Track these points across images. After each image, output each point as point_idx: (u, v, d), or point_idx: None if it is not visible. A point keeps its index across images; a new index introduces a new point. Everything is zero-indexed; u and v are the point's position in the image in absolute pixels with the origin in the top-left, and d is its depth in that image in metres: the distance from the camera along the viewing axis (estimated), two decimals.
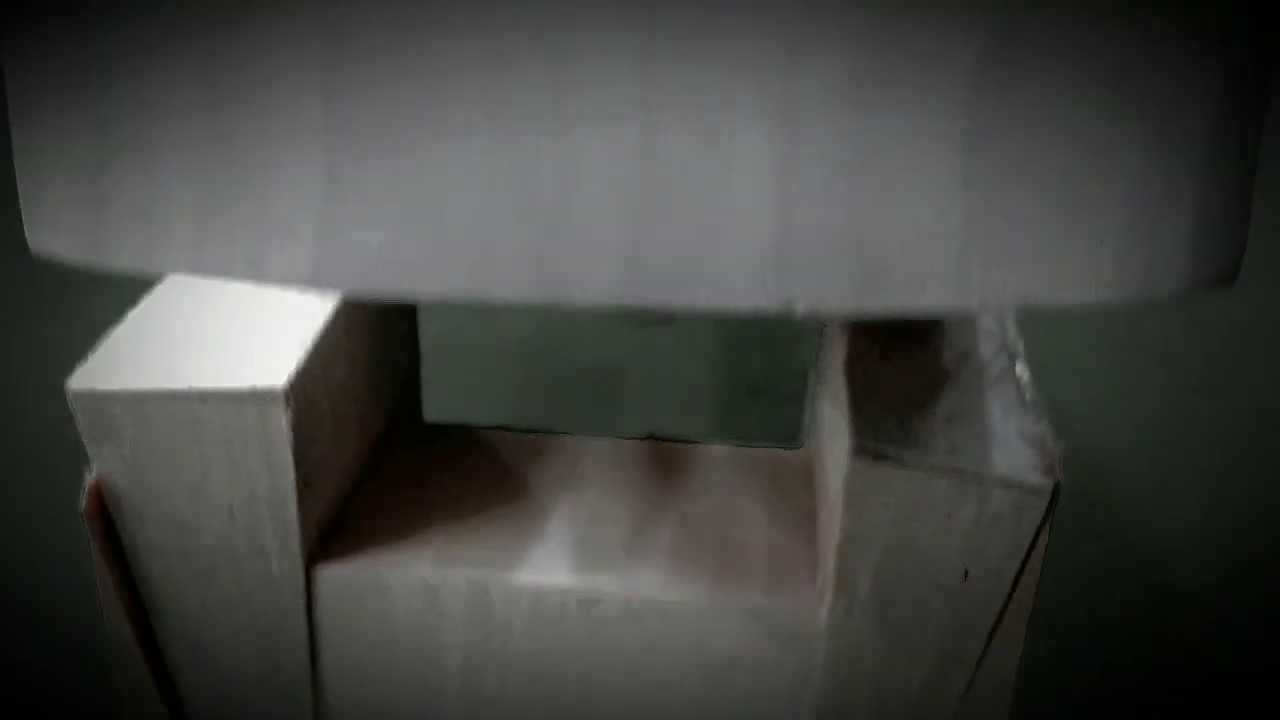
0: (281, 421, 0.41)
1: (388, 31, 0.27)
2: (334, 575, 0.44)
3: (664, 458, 0.51)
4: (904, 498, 0.39)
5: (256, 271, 0.29)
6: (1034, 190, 0.28)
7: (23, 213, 0.32)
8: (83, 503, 0.43)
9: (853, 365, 0.44)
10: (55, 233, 0.31)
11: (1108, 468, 0.84)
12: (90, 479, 0.43)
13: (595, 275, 0.29)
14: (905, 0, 0.27)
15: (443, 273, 0.29)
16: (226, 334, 0.43)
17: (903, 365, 0.44)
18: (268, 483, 0.42)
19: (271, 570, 0.43)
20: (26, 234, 0.32)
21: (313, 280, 0.29)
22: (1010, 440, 0.41)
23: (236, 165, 0.29)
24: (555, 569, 0.44)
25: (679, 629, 0.43)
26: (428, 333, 0.58)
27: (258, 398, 0.40)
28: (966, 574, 0.41)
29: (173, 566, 0.43)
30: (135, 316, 0.45)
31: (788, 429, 0.80)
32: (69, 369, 0.42)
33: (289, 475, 0.41)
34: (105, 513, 0.43)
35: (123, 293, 0.47)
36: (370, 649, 0.44)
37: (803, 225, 0.28)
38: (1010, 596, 0.41)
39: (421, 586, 0.43)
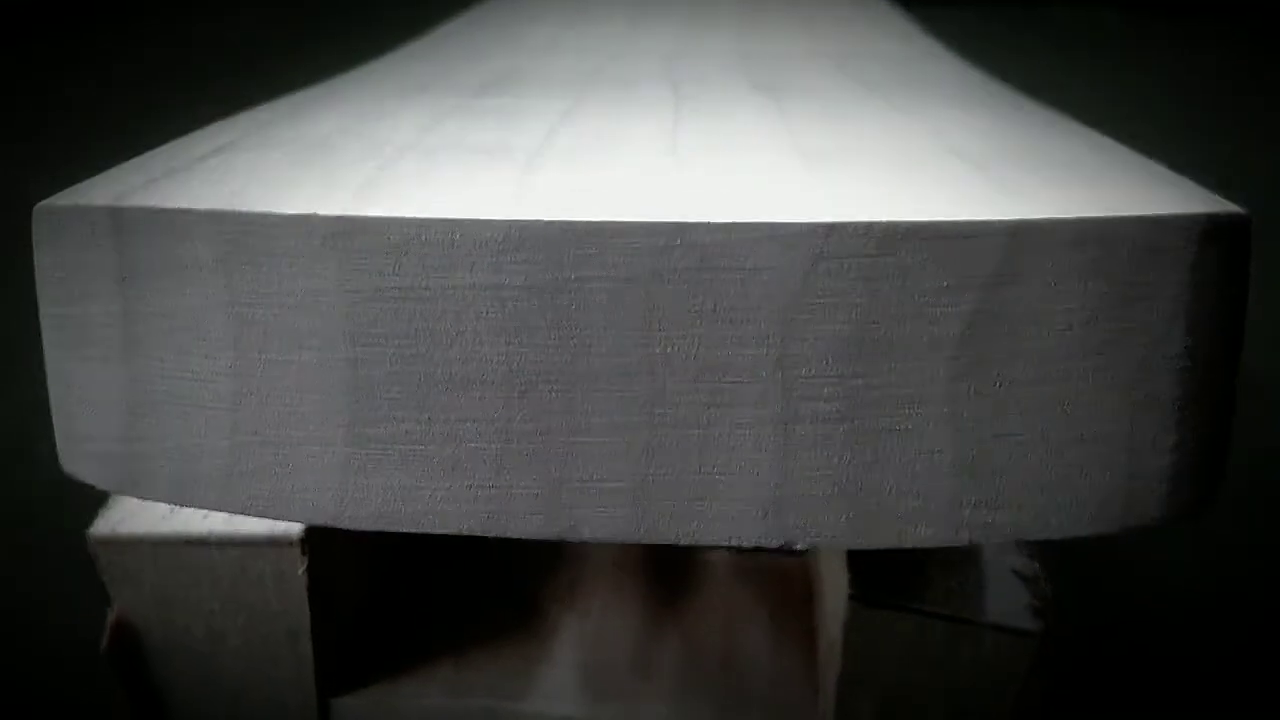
0: (298, 566, 0.43)
1: (415, 301, 0.30)
2: (349, 705, 0.47)
3: (665, 565, 0.54)
4: (901, 641, 0.42)
5: (284, 509, 0.32)
6: (1018, 438, 0.31)
7: (57, 438, 0.34)
8: (104, 642, 0.46)
9: None
10: (87, 462, 0.34)
11: None
12: (111, 617, 0.46)
13: (604, 517, 0.31)
14: (897, 271, 0.30)
15: (459, 515, 0.32)
16: None
17: None
18: (284, 621, 0.45)
19: (287, 703, 0.46)
20: (60, 456, 0.34)
21: (336, 519, 0.32)
22: (1004, 579, 0.44)
23: (265, 420, 0.31)
24: (564, 698, 0.47)
25: None
26: None
27: (275, 543, 0.43)
28: (963, 711, 0.44)
29: (193, 697, 0.46)
30: None
31: None
32: None
33: (304, 613, 0.44)
34: (125, 649, 0.46)
35: None
36: None
37: (799, 473, 0.31)
38: None
39: (435, 716, 0.46)
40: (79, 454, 0.34)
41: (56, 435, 0.34)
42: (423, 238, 0.30)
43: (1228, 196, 0.32)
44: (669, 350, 0.30)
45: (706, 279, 0.30)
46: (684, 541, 0.32)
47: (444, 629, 0.50)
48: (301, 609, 0.44)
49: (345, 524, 0.32)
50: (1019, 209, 0.30)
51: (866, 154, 0.35)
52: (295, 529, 0.43)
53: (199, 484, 0.32)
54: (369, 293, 0.30)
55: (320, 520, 0.32)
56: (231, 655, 0.45)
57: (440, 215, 0.30)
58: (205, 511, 0.44)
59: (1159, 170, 0.35)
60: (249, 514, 0.32)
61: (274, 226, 0.30)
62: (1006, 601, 0.43)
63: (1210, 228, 0.30)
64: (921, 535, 0.31)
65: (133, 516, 0.44)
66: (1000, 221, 0.30)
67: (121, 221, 0.31)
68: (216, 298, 0.31)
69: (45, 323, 0.33)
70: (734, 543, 0.32)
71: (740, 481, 0.31)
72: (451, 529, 0.32)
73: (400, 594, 0.52)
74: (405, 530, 0.32)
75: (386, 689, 0.47)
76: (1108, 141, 0.39)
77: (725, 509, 0.31)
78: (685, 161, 0.34)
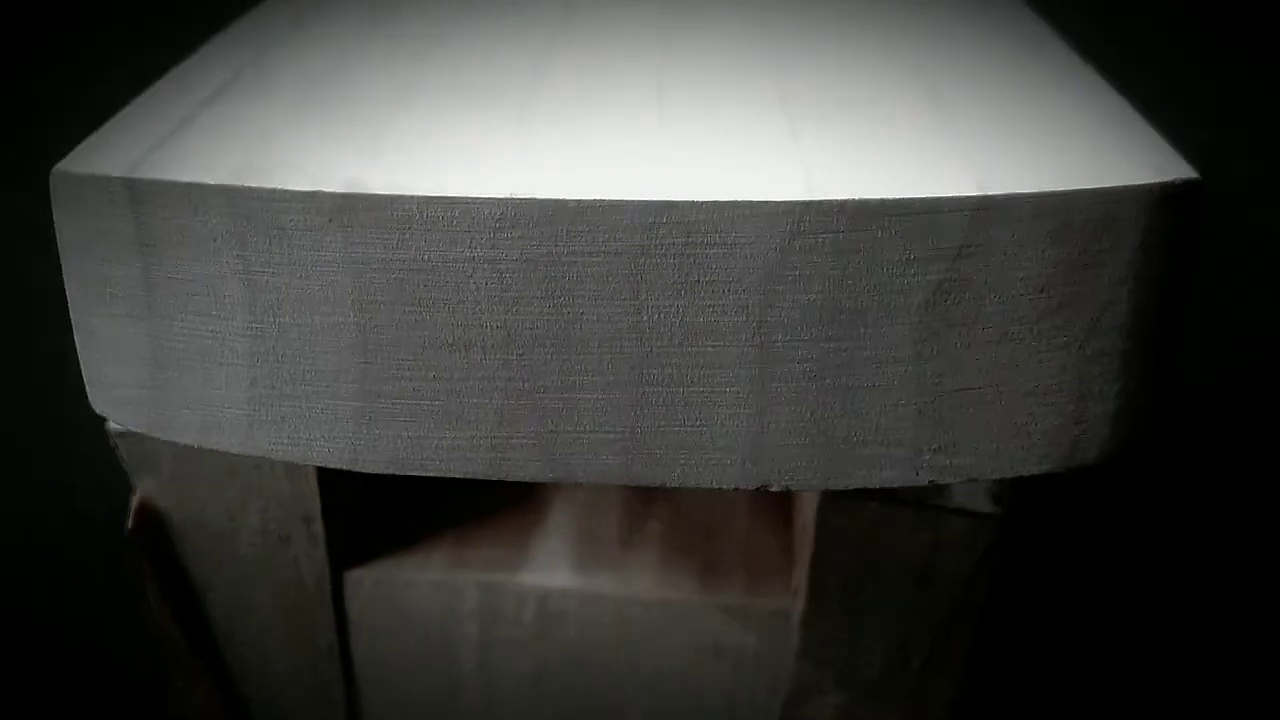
0: None
1: (418, 272, 0.33)
2: (360, 577, 0.51)
3: None
4: (869, 525, 0.47)
5: (304, 454, 0.35)
6: (975, 391, 0.34)
7: (84, 379, 0.37)
8: (129, 523, 0.50)
9: None
10: (115, 406, 0.37)
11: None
12: (134, 501, 0.50)
13: (597, 463, 0.35)
14: (868, 245, 0.32)
15: (463, 460, 0.35)
16: None
17: None
18: (298, 507, 0.48)
19: (303, 576, 0.51)
20: (89, 396, 0.37)
21: (353, 463, 0.35)
22: None
23: (281, 377, 0.34)
24: (557, 570, 0.51)
25: (669, 621, 0.51)
26: None
27: None
28: (925, 582, 0.48)
29: (214, 575, 0.51)
30: None
31: None
32: None
33: (316, 500, 0.48)
34: (149, 530, 0.50)
35: None
36: (394, 641, 0.52)
37: (776, 424, 0.34)
38: (964, 600, 0.49)
39: (438, 587, 0.51)
40: (107, 398, 0.37)
41: (85, 378, 0.37)
42: (423, 215, 0.32)
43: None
44: (656, 317, 0.33)
45: (691, 253, 0.32)
46: (670, 484, 0.35)
47: (445, 509, 0.54)
48: (313, 496, 0.48)
49: (360, 468, 0.35)
50: (984, 178, 0.33)
51: (847, 104, 0.37)
52: None
53: (222, 430, 0.36)
54: (374, 264, 0.33)
55: (337, 464, 0.35)
56: (249, 535, 0.49)
57: (440, 194, 0.32)
58: None
59: (1126, 116, 0.37)
60: (271, 457, 0.35)
61: (283, 202, 0.32)
62: (966, 489, 0.47)
63: (1162, 196, 0.33)
64: (885, 477, 0.35)
65: None
66: (965, 198, 0.32)
67: (138, 193, 0.33)
68: (231, 266, 0.33)
69: (69, 280, 0.36)
70: (715, 486, 0.35)
71: (721, 433, 0.34)
72: (458, 474, 0.35)
73: (404, 478, 0.56)
74: (415, 474, 0.35)
75: (393, 562, 0.51)
76: (1084, 76, 0.40)
77: (707, 457, 0.35)
78: (670, 123, 0.36)
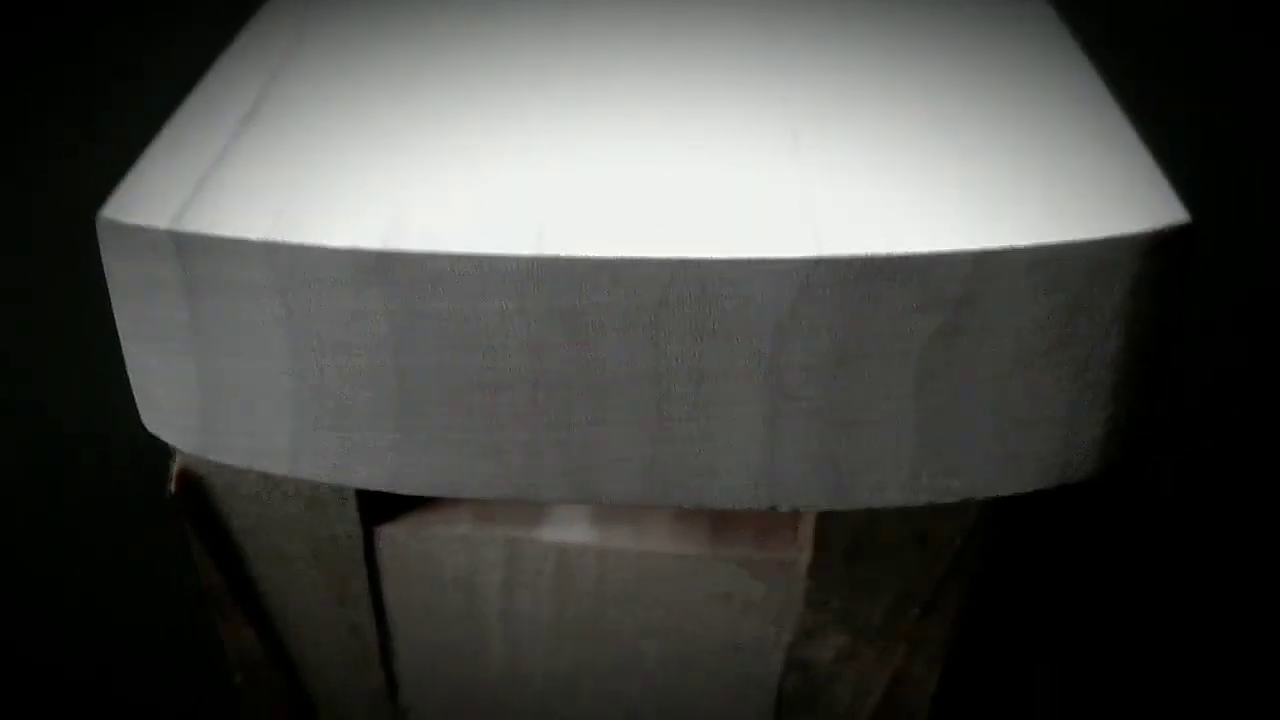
0: None
1: (451, 321, 0.35)
2: (390, 534, 0.54)
3: None
4: None
5: (345, 479, 0.38)
6: (971, 422, 0.37)
7: (136, 400, 0.40)
8: (171, 488, 0.53)
9: None
10: (166, 429, 0.39)
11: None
12: (175, 467, 0.53)
13: (619, 487, 0.38)
14: (873, 296, 0.35)
15: (496, 485, 0.38)
16: None
17: None
18: None
19: (336, 534, 0.54)
20: (141, 416, 0.40)
21: (392, 486, 0.38)
22: None
23: (324, 412, 0.37)
24: (575, 526, 0.54)
25: (682, 572, 0.54)
26: None
27: None
28: (923, 541, 0.52)
29: (252, 534, 0.54)
30: None
31: None
32: None
33: None
34: (189, 494, 0.53)
35: None
36: (423, 589, 0.56)
37: (784, 454, 0.37)
38: (960, 558, 0.52)
39: (464, 541, 0.54)
40: (158, 421, 0.39)
41: (136, 400, 0.40)
42: (454, 270, 0.35)
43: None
44: (674, 362, 0.36)
45: (706, 304, 0.35)
46: (688, 505, 0.38)
47: None
48: None
49: (400, 490, 0.38)
50: (985, 227, 0.35)
51: (857, 139, 0.39)
52: None
53: (268, 456, 0.38)
54: (410, 314, 0.35)
55: (377, 487, 0.38)
56: (285, 498, 0.53)
57: (469, 251, 0.34)
58: None
59: (1127, 145, 0.39)
60: (315, 480, 0.38)
61: (322, 258, 0.35)
62: None
63: (1153, 244, 0.35)
64: (886, 499, 0.38)
65: None
66: (966, 252, 0.34)
67: (184, 245, 0.35)
68: (273, 312, 0.36)
69: (119, 315, 0.38)
70: (727, 507, 0.38)
71: (735, 462, 0.37)
72: (492, 496, 0.38)
73: None
74: (452, 496, 0.38)
75: (421, 519, 0.55)
76: (1092, 93, 0.42)
77: (722, 482, 0.38)
78: (682, 163, 0.38)
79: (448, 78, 0.44)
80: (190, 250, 0.36)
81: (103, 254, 0.37)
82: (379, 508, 0.55)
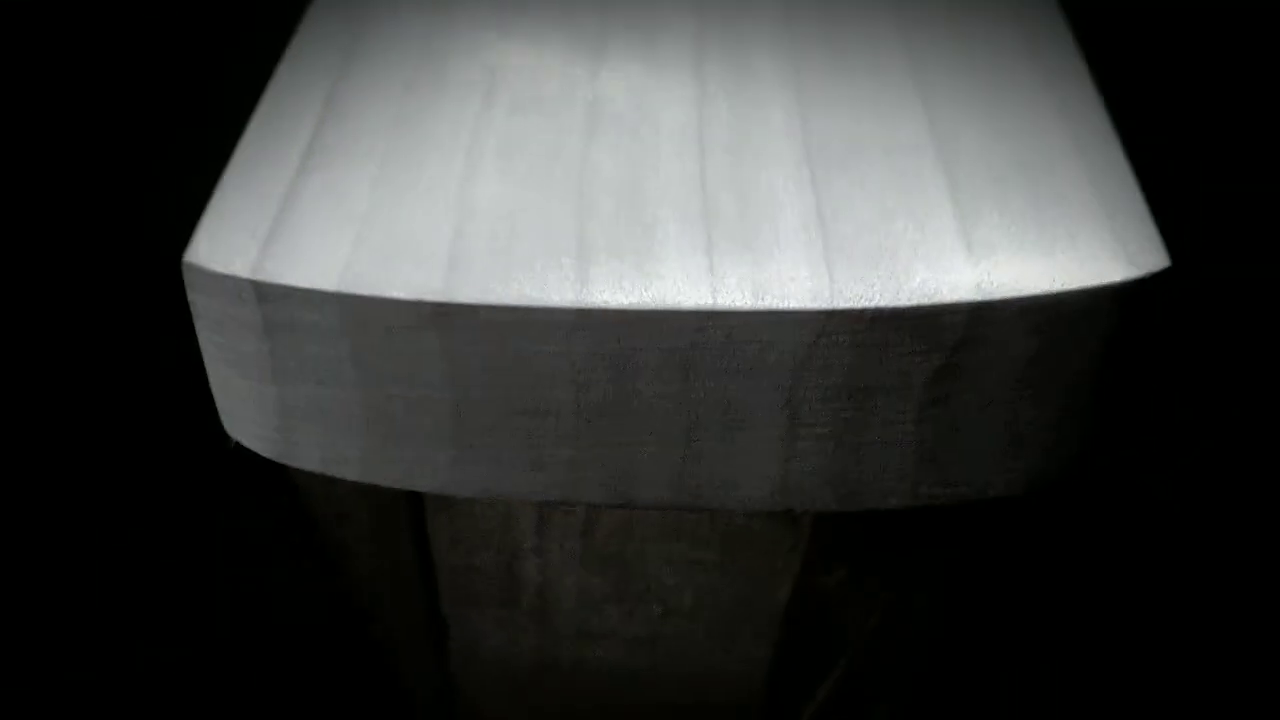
0: None
1: (502, 360, 0.40)
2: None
3: None
4: None
5: (408, 485, 0.43)
6: (965, 441, 0.42)
7: (219, 411, 0.45)
8: (231, 444, 0.58)
9: None
10: (247, 438, 0.44)
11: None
12: None
13: (652, 494, 0.43)
14: (880, 342, 0.39)
15: (541, 491, 0.43)
16: None
17: None
18: None
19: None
20: (224, 424, 0.45)
21: (448, 491, 0.44)
22: None
23: (390, 433, 0.42)
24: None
25: (699, 518, 0.60)
26: None
27: None
28: None
29: (307, 483, 0.60)
30: None
31: None
32: None
33: None
34: (248, 451, 0.58)
35: None
36: (464, 523, 0.61)
37: (799, 470, 0.42)
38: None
39: None
40: (240, 430, 0.44)
41: (219, 411, 0.45)
42: (508, 320, 0.39)
43: None
44: (702, 395, 0.40)
45: (732, 348, 0.39)
46: (711, 509, 0.43)
47: None
48: None
49: (453, 493, 0.44)
50: (983, 277, 0.39)
51: (868, 203, 0.42)
52: None
53: (342, 466, 0.44)
54: (466, 355, 0.40)
55: (435, 492, 0.44)
56: None
57: (519, 303, 0.39)
58: None
59: (1120, 185, 0.43)
60: (383, 485, 0.44)
61: (386, 307, 0.39)
62: None
63: (1134, 291, 0.40)
64: (890, 504, 0.43)
65: None
66: (964, 303, 0.39)
67: (263, 292, 0.40)
68: (344, 351, 0.41)
69: (203, 341, 0.43)
70: (748, 510, 0.43)
71: (754, 475, 0.42)
72: (538, 499, 0.43)
73: None
74: (501, 498, 0.43)
75: None
76: (1091, 128, 0.45)
77: (743, 491, 0.43)
78: (711, 217, 0.42)
79: (490, 118, 0.47)
80: (269, 297, 0.40)
81: (188, 291, 0.41)
82: None
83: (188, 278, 0.41)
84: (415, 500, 0.60)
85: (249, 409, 0.43)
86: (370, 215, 0.42)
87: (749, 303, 0.39)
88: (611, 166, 0.44)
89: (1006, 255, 0.40)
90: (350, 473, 0.44)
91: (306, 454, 0.44)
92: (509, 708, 0.67)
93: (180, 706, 0.77)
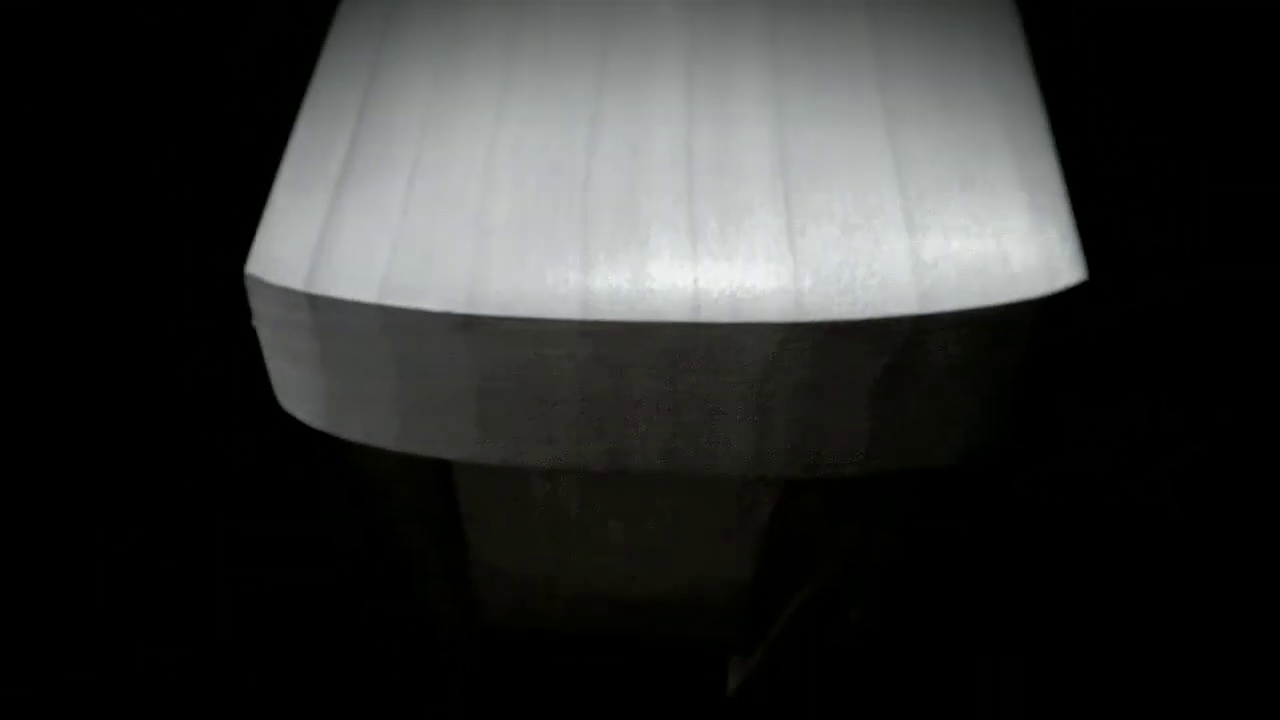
0: None
1: (519, 359, 0.48)
2: None
3: None
4: None
5: (438, 454, 0.52)
6: (913, 421, 0.50)
7: (273, 387, 0.53)
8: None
9: None
10: (299, 411, 0.53)
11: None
12: None
13: (646, 462, 0.51)
14: (835, 346, 0.47)
15: (552, 460, 0.51)
16: None
17: None
18: None
19: None
20: (278, 399, 0.53)
21: (470, 459, 0.52)
22: None
23: (424, 415, 0.50)
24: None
25: None
26: None
27: None
28: None
29: None
30: None
31: None
32: None
33: None
34: None
35: None
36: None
37: (771, 446, 0.50)
38: None
39: None
40: (291, 405, 0.53)
41: (274, 388, 0.53)
42: (524, 329, 0.47)
43: None
44: (686, 387, 0.48)
45: (712, 351, 0.47)
46: (698, 475, 0.51)
47: None
48: None
49: (478, 461, 0.52)
50: (925, 290, 0.47)
51: (833, 222, 0.49)
52: None
53: (382, 438, 0.52)
54: (488, 356, 0.48)
55: (463, 461, 0.52)
56: None
57: (534, 315, 0.46)
58: None
59: (1048, 202, 0.50)
60: (417, 454, 0.52)
61: (421, 316, 0.47)
62: None
63: (1054, 302, 0.47)
64: (845, 473, 0.51)
65: None
66: (907, 316, 0.46)
67: (316, 302, 0.47)
68: (384, 353, 0.48)
69: (261, 337, 0.50)
70: (728, 475, 0.51)
71: (731, 451, 0.50)
72: (549, 467, 0.51)
73: None
74: (519, 466, 0.52)
75: None
76: (1032, 143, 0.52)
77: (722, 463, 0.51)
78: (698, 239, 0.49)
79: (503, 132, 0.54)
80: (321, 307, 0.47)
81: (249, 297, 0.49)
82: None
83: (250, 288, 0.49)
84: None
85: (300, 391, 0.51)
86: (403, 228, 0.49)
87: (727, 316, 0.46)
88: (612, 184, 0.51)
89: (947, 271, 0.47)
90: (389, 444, 0.52)
91: (350, 427, 0.52)
92: (522, 612, 0.76)
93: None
